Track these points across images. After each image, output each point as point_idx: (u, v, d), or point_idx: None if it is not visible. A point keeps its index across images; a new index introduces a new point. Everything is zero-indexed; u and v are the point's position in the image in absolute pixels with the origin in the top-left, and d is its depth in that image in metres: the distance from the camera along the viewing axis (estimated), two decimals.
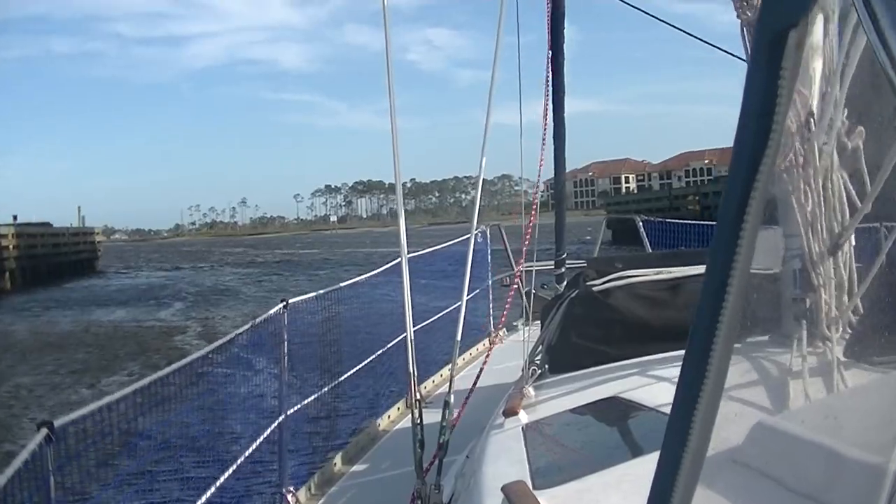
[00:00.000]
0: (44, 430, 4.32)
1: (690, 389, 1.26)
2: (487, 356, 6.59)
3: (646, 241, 15.29)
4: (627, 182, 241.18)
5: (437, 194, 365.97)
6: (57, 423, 4.42)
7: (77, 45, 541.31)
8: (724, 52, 7.93)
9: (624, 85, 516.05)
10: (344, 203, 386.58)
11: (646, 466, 3.44)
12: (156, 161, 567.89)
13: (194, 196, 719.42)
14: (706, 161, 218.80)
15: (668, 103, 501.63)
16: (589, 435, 4.54)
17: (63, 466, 4.63)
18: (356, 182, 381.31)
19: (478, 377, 6.14)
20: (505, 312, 9.56)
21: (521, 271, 13.43)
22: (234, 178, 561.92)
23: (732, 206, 1.16)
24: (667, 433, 1.32)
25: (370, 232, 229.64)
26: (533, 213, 7.43)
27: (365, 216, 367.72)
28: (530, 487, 3.56)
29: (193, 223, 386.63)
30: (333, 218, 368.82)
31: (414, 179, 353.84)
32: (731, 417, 3.82)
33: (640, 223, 15.52)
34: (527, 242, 7.34)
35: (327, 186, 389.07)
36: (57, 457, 4.47)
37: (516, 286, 14.22)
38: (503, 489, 3.51)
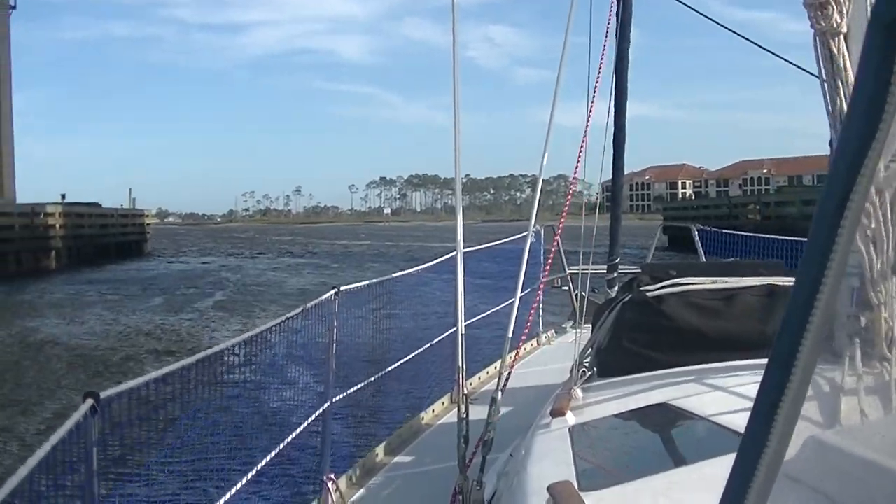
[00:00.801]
0: (89, 401, 4.30)
1: (771, 398, 1.23)
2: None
3: (700, 249, 15.14)
4: (684, 188, 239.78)
5: (491, 191, 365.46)
6: (103, 394, 4.42)
7: (137, 29, 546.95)
8: (786, 62, 7.85)
9: (683, 90, 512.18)
10: (398, 196, 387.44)
11: (695, 475, 3.41)
12: (212, 147, 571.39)
13: (249, 183, 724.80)
14: (764, 170, 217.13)
15: (727, 110, 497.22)
16: (637, 440, 4.52)
17: (106, 439, 4.63)
18: (411, 175, 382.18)
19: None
20: (528, 319, 9.47)
21: (571, 273, 13.45)
22: (290, 166, 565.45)
23: (832, 201, 1.12)
24: (743, 442, 1.30)
25: (423, 225, 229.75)
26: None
27: (419, 210, 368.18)
28: (576, 488, 3.52)
29: (247, 209, 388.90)
30: (387, 210, 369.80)
31: (469, 175, 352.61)
32: None
33: (696, 232, 15.37)
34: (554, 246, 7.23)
35: (382, 178, 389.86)
36: (101, 430, 4.47)
37: (565, 288, 14.24)
38: (549, 489, 3.48)
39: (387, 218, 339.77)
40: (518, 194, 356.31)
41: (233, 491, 6.34)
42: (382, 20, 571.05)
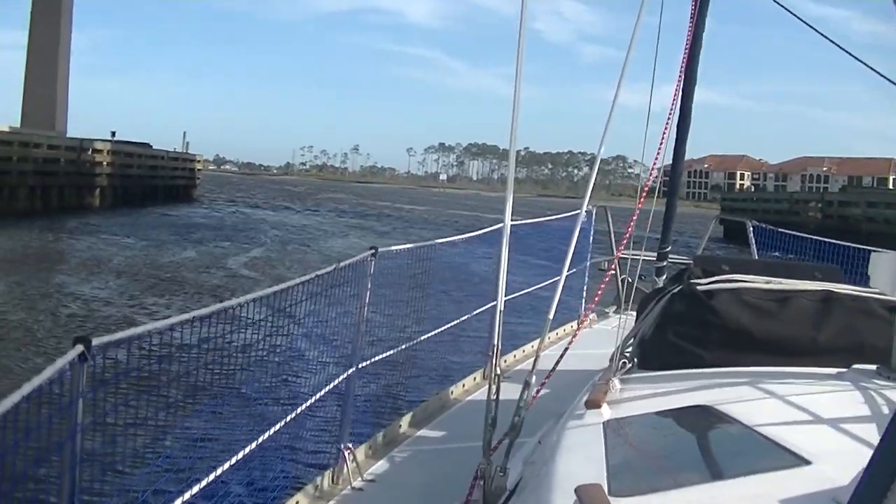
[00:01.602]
0: (79, 347, 4.00)
1: None
2: (573, 339, 6.27)
3: (753, 246, 14.79)
4: (742, 179, 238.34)
5: (549, 166, 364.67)
6: (95, 341, 4.11)
7: None
8: (858, 61, 7.53)
9: (748, 80, 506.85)
10: (456, 163, 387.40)
11: (736, 491, 3.07)
12: (274, 98, 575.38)
13: (308, 137, 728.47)
14: (824, 168, 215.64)
15: (793, 105, 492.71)
16: (675, 443, 4.22)
17: (97, 391, 4.37)
18: (470, 143, 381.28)
19: (559, 359, 5.82)
20: (597, 297, 9.19)
21: (619, 258, 13.17)
22: (349, 124, 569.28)
23: None
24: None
25: (478, 195, 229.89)
26: (642, 199, 7.08)
27: (475, 178, 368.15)
28: (606, 492, 3.28)
29: (304, 164, 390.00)
30: (443, 176, 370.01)
31: (528, 148, 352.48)
32: (833, 451, 3.46)
33: (751, 228, 15.01)
34: (630, 228, 6.99)
35: (441, 144, 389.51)
36: (91, 380, 4.20)
37: (613, 272, 13.96)
38: (577, 491, 3.23)
39: (442, 184, 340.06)
40: (575, 171, 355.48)
41: (240, 455, 6.09)
42: None
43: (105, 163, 70.98)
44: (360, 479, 7.40)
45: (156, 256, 38.44)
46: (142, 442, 5.93)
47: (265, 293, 6.36)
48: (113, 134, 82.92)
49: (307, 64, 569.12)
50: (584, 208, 6.55)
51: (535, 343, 12.17)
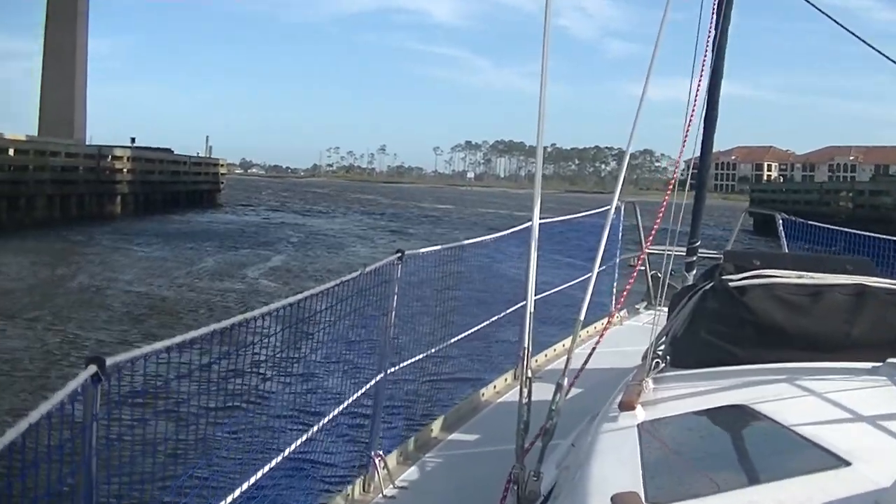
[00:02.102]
0: (92, 367, 3.88)
1: None
2: (601, 337, 6.22)
3: (783, 239, 14.64)
4: (769, 170, 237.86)
5: (576, 162, 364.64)
6: (109, 360, 3.99)
7: None
8: (878, 53, 7.45)
9: (773, 72, 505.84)
10: (483, 161, 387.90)
11: (777, 495, 3.00)
12: (299, 100, 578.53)
13: (334, 138, 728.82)
14: (851, 157, 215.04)
15: (816, 95, 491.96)
16: (712, 446, 4.15)
17: (111, 412, 4.27)
18: (497, 141, 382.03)
19: (587, 359, 5.74)
20: (625, 293, 9.09)
21: (648, 253, 13.03)
22: (375, 124, 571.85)
23: None
24: None
25: (506, 192, 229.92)
26: (668, 194, 7.01)
27: (502, 176, 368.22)
28: (643, 499, 3.24)
29: (331, 165, 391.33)
30: (470, 174, 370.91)
31: (555, 145, 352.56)
32: (872, 450, 3.38)
33: (780, 220, 14.86)
34: (657, 223, 6.91)
35: (468, 142, 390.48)
36: (106, 401, 4.10)
37: (641, 268, 13.85)
38: (613, 499, 3.19)
39: (470, 182, 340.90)
40: (602, 166, 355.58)
41: (271, 464, 6.06)
42: None
43: (125, 170, 70.65)
44: (391, 486, 7.30)
45: (171, 267, 38.08)
46: (169, 455, 5.87)
47: (288, 302, 6.27)
48: (133, 140, 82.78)
49: (331, 65, 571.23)
50: (615, 204, 6.49)
51: (566, 342, 12.10)
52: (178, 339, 4.72)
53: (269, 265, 40.66)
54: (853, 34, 8.02)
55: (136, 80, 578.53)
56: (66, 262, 38.41)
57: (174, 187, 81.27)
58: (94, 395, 3.95)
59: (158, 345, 4.53)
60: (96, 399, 3.97)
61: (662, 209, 6.82)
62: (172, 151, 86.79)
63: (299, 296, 6.44)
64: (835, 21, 8.15)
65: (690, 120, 7.73)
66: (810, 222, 15.38)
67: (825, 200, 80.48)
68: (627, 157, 6.55)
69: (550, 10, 5.51)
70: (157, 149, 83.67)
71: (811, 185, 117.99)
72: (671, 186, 7.29)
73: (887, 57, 7.21)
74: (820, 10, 8.13)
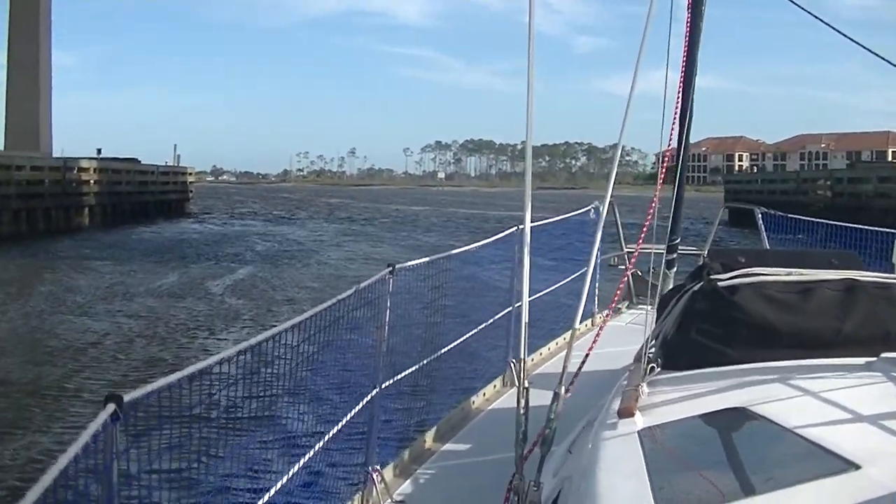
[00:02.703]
0: (111, 406, 3.87)
1: None
2: (594, 343, 6.25)
3: (764, 234, 14.67)
4: (741, 160, 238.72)
5: (546, 158, 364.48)
6: (127, 397, 3.99)
7: None
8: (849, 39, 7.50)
9: (741, 62, 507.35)
10: (453, 160, 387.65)
11: (789, 502, 3.06)
12: (269, 106, 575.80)
13: (304, 143, 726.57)
14: (823, 145, 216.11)
15: (786, 84, 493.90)
16: (716, 452, 4.14)
17: (129, 449, 4.24)
18: (467, 140, 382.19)
19: (582, 364, 5.77)
20: (617, 294, 9.10)
21: (627, 252, 13.04)
22: (345, 127, 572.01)
23: None
24: None
25: (477, 191, 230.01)
26: (658, 188, 6.99)
27: (473, 175, 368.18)
28: None
29: (301, 170, 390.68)
30: (441, 174, 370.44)
31: (524, 142, 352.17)
32: (879, 452, 3.41)
33: (760, 215, 14.90)
34: (648, 221, 6.89)
35: (437, 142, 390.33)
36: (125, 437, 4.07)
37: (622, 266, 13.91)
38: None
39: (441, 182, 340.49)
40: (573, 162, 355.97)
41: (272, 491, 6.06)
42: None
43: (92, 181, 69.91)
44: (389, 500, 7.32)
45: (131, 285, 36.33)
46: (175, 487, 5.87)
47: (287, 326, 6.22)
48: (99, 151, 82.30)
49: (300, 70, 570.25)
50: (608, 201, 6.52)
51: (552, 346, 12.14)
52: (190, 369, 4.74)
53: (235, 278, 39.00)
54: (823, 21, 8.05)
55: (105, 91, 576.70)
56: (22, 282, 36.99)
57: (142, 197, 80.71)
58: (113, 433, 3.93)
59: (172, 377, 4.53)
60: (115, 437, 3.95)
61: (652, 209, 6.80)
62: (139, 161, 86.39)
63: (297, 319, 6.42)
64: (803, 9, 8.18)
65: (676, 113, 7.74)
66: (790, 215, 15.41)
67: (802, 189, 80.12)
68: (617, 156, 6.57)
69: (534, 13, 5.53)
70: (124, 159, 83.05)
71: (787, 174, 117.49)
72: (661, 181, 7.25)
73: (857, 43, 7.26)
74: (793, 2, 8.16)
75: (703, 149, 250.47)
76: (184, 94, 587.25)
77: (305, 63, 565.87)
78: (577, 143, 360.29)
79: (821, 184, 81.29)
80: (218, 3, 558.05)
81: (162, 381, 4.44)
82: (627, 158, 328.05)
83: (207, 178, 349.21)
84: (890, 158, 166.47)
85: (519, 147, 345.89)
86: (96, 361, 21.52)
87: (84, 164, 70.21)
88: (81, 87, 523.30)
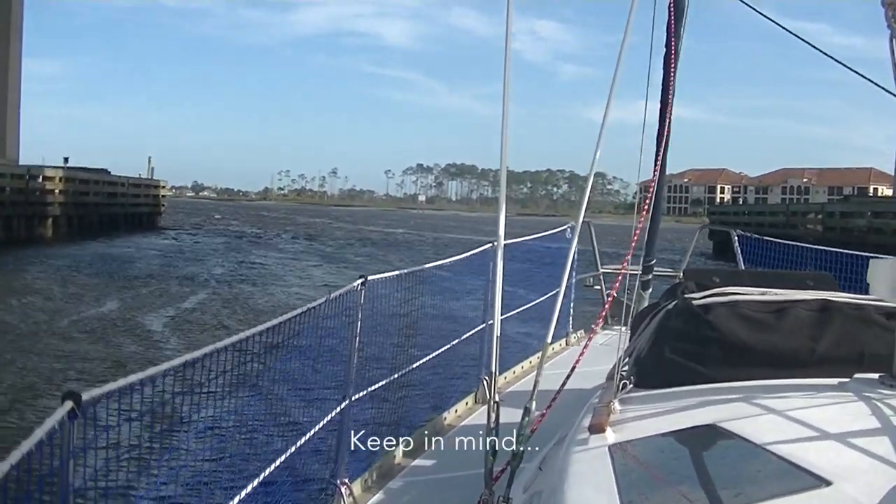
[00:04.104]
0: (68, 403, 3.83)
1: None
2: (578, 361, 6.21)
3: (740, 256, 14.74)
4: (723, 192, 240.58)
5: (528, 185, 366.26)
6: (85, 395, 3.94)
7: (185, 2, 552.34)
8: (850, 70, 7.53)
9: (725, 95, 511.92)
10: (434, 184, 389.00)
11: None
12: (252, 123, 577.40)
13: (286, 161, 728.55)
14: (805, 179, 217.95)
15: (769, 118, 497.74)
16: (686, 468, 4.09)
17: (88, 447, 4.17)
18: (448, 164, 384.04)
19: (563, 384, 5.74)
20: (602, 315, 9.09)
21: (603, 273, 13.06)
22: (327, 147, 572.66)
23: None
24: None
25: (457, 215, 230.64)
26: (642, 215, 6.98)
27: (454, 199, 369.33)
28: None
29: (282, 188, 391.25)
30: (422, 197, 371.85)
31: (507, 167, 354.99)
32: (851, 468, 3.39)
33: (736, 238, 14.97)
34: (633, 243, 6.88)
35: (419, 165, 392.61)
36: (82, 436, 4.03)
37: (597, 287, 13.95)
38: None
39: (421, 205, 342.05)
40: (555, 189, 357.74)
41: (240, 496, 5.99)
42: (430, 7, 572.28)
43: (57, 191, 67.34)
44: None
45: (59, 310, 32.40)
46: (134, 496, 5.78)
47: (258, 330, 6.19)
48: (66, 160, 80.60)
49: (285, 88, 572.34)
50: (580, 224, 6.50)
51: (525, 364, 12.13)
52: (152, 370, 4.67)
53: (184, 307, 34.74)
54: (826, 54, 8.03)
55: (88, 103, 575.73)
56: None
57: (111, 210, 78.61)
58: (70, 431, 3.89)
59: (133, 377, 4.46)
60: (72, 435, 3.91)
61: (636, 234, 6.77)
62: (109, 172, 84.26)
63: (265, 325, 6.38)
64: (807, 42, 8.17)
65: (659, 140, 7.76)
66: (765, 238, 15.43)
67: (791, 223, 78.93)
68: (591, 180, 6.55)
69: (510, 37, 5.53)
70: (93, 169, 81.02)
71: (776, 206, 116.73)
72: (645, 209, 7.27)
73: (865, 77, 7.23)
74: (791, 32, 8.16)
75: (686, 180, 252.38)
76: (166, 108, 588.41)
77: (290, 81, 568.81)
78: (559, 170, 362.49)
79: (811, 217, 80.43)
80: (204, 18, 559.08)
81: (122, 381, 4.37)
82: (609, 187, 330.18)
83: (188, 194, 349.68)
84: (871, 194, 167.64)
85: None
86: None
87: (49, 172, 67.84)
88: (66, 97, 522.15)
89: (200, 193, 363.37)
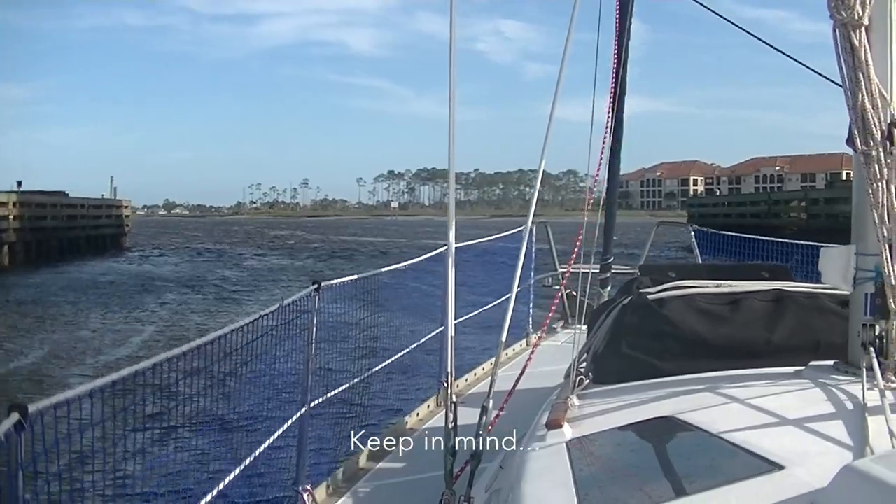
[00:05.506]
0: (14, 416, 3.83)
1: None
2: (529, 361, 6.29)
3: (697, 251, 14.89)
4: (696, 184, 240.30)
5: (501, 186, 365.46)
6: (32, 407, 3.96)
7: (149, 19, 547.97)
8: (796, 62, 7.67)
9: (695, 87, 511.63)
10: (406, 189, 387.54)
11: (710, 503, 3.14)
12: (222, 138, 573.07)
13: (258, 174, 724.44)
14: (777, 167, 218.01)
15: (739, 108, 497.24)
16: (642, 458, 4.18)
17: (37, 460, 4.17)
18: (420, 169, 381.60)
19: (516, 382, 5.85)
20: (549, 315, 9.21)
21: (562, 272, 13.16)
22: (298, 158, 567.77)
23: None
24: None
25: (431, 220, 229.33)
26: (583, 211, 7.12)
27: (427, 204, 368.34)
28: None
29: (254, 202, 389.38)
30: (395, 204, 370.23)
31: (478, 170, 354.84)
32: (803, 453, 3.50)
33: (693, 233, 15.12)
34: (579, 241, 6.98)
35: (390, 172, 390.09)
36: (30, 449, 4.02)
37: (556, 287, 14.03)
38: None
39: (394, 211, 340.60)
40: (527, 189, 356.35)
41: None
42: (394, 13, 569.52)
43: (11, 216, 63.44)
44: None
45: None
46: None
47: (210, 338, 6.23)
48: (19, 184, 76.48)
49: (254, 101, 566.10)
50: (530, 223, 6.58)
51: (486, 366, 12.20)
52: (100, 381, 4.70)
53: (135, 340, 30.04)
54: (772, 47, 8.17)
55: (49, 124, 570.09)
56: None
57: (71, 233, 74.88)
58: (17, 443, 3.89)
59: (81, 389, 4.51)
60: (20, 448, 3.91)
61: (581, 231, 6.86)
62: (67, 195, 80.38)
63: (220, 332, 6.42)
64: (753, 35, 8.31)
65: (605, 140, 7.86)
66: (722, 232, 15.60)
67: (774, 212, 77.79)
68: (539, 179, 6.64)
69: (455, 37, 5.61)
70: (49, 192, 77.35)
71: (758, 195, 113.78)
72: (589, 205, 7.37)
73: (808, 67, 7.38)
74: (737, 26, 8.28)
75: (658, 173, 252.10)
76: (135, 127, 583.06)
77: (259, 94, 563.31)
78: (531, 170, 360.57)
79: (794, 205, 79.31)
80: (169, 34, 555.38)
81: (72, 392, 4.41)
82: (581, 185, 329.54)
83: (160, 212, 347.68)
84: (844, 179, 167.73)
85: (473, 175, 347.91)
86: None
87: (1, 198, 64.43)
88: (20, 121, 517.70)
89: (172, 211, 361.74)
